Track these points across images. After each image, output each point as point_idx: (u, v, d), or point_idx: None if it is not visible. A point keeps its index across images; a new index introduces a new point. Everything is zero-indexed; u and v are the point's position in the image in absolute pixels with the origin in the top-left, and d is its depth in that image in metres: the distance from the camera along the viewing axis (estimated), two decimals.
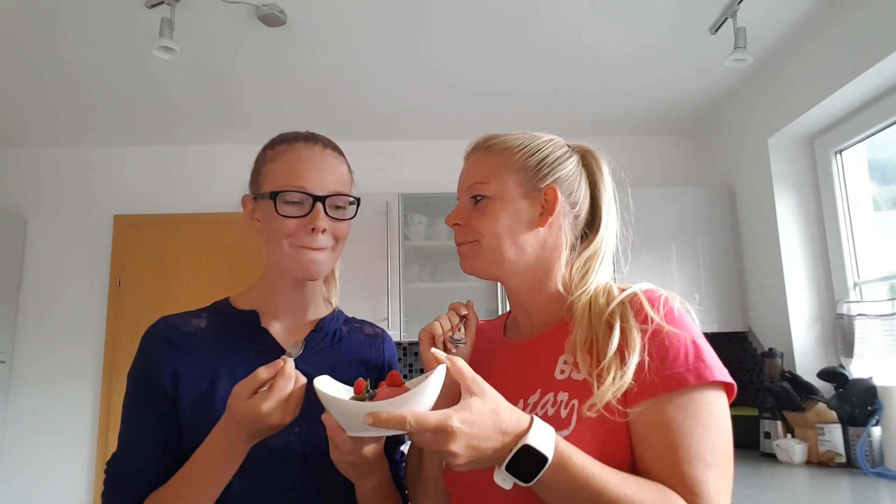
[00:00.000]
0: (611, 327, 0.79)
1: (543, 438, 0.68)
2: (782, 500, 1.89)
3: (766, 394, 2.58)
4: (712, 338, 3.58)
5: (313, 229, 0.91)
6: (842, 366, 2.49)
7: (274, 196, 0.92)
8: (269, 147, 1.00)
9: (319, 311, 1.05)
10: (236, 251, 3.38)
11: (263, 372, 0.78)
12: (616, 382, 0.74)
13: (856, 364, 2.46)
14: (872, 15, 2.13)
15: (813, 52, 2.47)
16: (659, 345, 0.76)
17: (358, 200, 0.99)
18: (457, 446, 0.65)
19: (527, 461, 0.67)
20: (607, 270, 0.91)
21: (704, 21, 2.38)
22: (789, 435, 2.50)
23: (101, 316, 3.36)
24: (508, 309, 1.04)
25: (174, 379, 0.91)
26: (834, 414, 2.34)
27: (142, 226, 3.47)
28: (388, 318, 3.02)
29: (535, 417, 0.70)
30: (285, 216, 0.92)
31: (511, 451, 0.67)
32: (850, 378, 2.36)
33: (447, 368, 0.71)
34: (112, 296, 3.38)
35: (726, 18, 2.30)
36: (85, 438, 3.24)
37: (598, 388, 0.75)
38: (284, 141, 0.98)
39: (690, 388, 0.74)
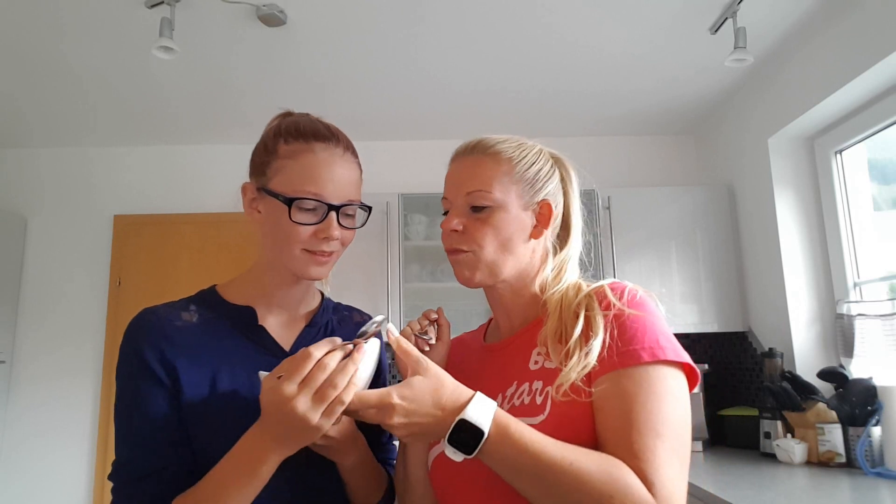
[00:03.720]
0: (577, 316, 0.83)
1: (481, 412, 0.72)
2: (782, 500, 1.89)
3: (766, 394, 2.58)
4: (712, 338, 3.58)
5: (325, 237, 0.90)
6: (842, 366, 2.49)
7: (289, 202, 0.88)
8: (283, 138, 0.93)
9: (311, 303, 1.05)
10: (236, 251, 3.38)
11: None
12: (581, 362, 0.78)
13: (856, 364, 2.46)
14: (872, 15, 2.13)
15: (813, 52, 2.47)
16: (620, 326, 0.80)
17: (369, 210, 0.98)
18: (397, 420, 0.72)
19: (465, 434, 0.71)
20: (575, 269, 0.96)
21: (704, 21, 2.38)
22: (789, 435, 2.50)
23: (101, 316, 3.36)
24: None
25: (173, 376, 0.86)
26: (834, 414, 2.34)
27: (142, 226, 3.48)
28: (387, 319, 3.01)
29: (477, 393, 0.75)
30: (299, 223, 0.89)
31: (450, 425, 0.72)
32: (850, 378, 2.35)
33: (402, 346, 0.78)
34: (112, 296, 3.38)
35: (726, 18, 2.30)
36: (85, 438, 3.24)
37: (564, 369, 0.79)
38: (301, 136, 0.92)
39: (646, 364, 0.77)
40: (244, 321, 0.95)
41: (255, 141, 1.01)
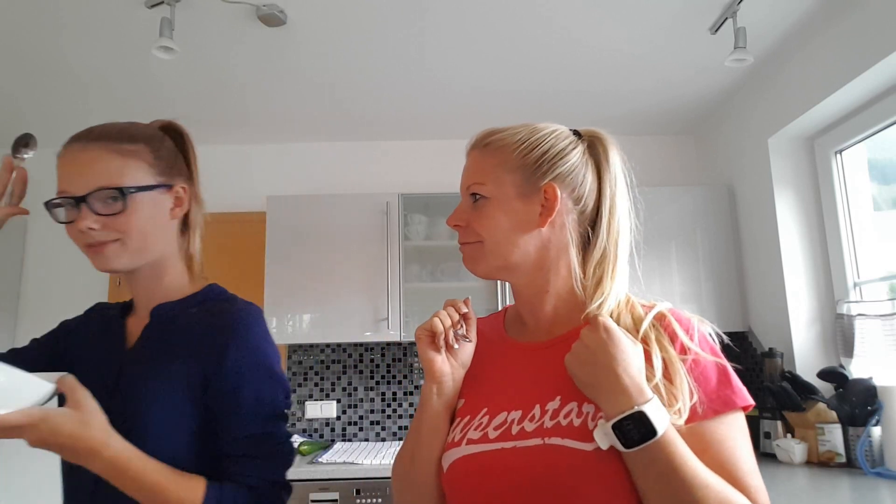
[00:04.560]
0: (644, 353, 0.78)
1: (659, 414, 0.71)
2: (782, 500, 1.89)
3: (766, 394, 2.58)
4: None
5: (79, 230, 0.93)
6: (842, 366, 2.49)
7: (47, 209, 0.96)
8: None
9: (172, 296, 1.02)
10: (236, 251, 3.38)
11: None
12: (683, 412, 0.74)
13: (856, 364, 2.46)
14: (872, 15, 2.13)
15: (813, 52, 2.47)
16: (701, 372, 0.78)
17: (122, 190, 0.92)
18: (599, 333, 0.75)
19: (633, 427, 0.70)
20: (623, 275, 0.87)
21: (704, 21, 2.38)
22: (789, 435, 2.50)
23: None
24: (508, 304, 1.01)
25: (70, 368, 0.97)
26: (834, 414, 2.34)
27: None
28: (388, 318, 3.02)
29: (655, 397, 0.73)
30: (64, 223, 0.95)
31: (624, 408, 0.71)
32: (850, 378, 2.36)
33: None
34: (112, 296, 3.38)
35: (726, 18, 2.30)
36: None
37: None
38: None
39: (739, 409, 0.78)
40: (116, 316, 1.05)
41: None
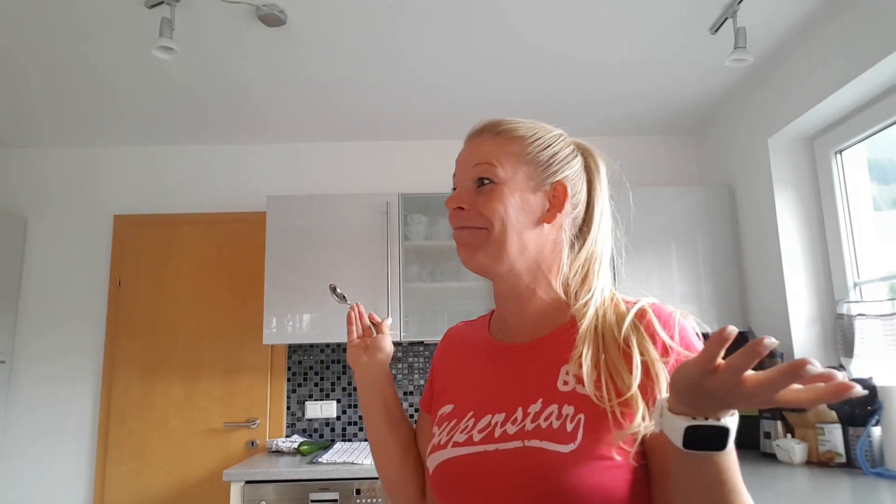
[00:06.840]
0: (626, 355, 0.76)
1: (734, 427, 0.67)
2: (782, 500, 1.89)
3: None
4: None
5: None
6: (842, 366, 2.49)
7: None
8: None
9: None
10: (237, 251, 3.38)
11: None
12: (648, 418, 0.71)
13: (856, 364, 2.46)
14: (872, 15, 2.13)
15: (813, 52, 2.47)
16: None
17: None
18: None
19: (707, 435, 0.65)
20: (607, 275, 0.88)
21: (704, 21, 2.38)
22: (789, 435, 2.50)
23: (101, 316, 3.36)
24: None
25: None
26: (834, 414, 2.34)
27: (142, 226, 3.47)
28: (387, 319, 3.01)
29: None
30: None
31: (707, 414, 0.64)
32: (850, 378, 2.35)
33: None
34: (112, 296, 3.38)
35: (726, 18, 2.30)
36: (85, 438, 3.24)
37: (629, 420, 0.72)
38: None
39: None
40: None
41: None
